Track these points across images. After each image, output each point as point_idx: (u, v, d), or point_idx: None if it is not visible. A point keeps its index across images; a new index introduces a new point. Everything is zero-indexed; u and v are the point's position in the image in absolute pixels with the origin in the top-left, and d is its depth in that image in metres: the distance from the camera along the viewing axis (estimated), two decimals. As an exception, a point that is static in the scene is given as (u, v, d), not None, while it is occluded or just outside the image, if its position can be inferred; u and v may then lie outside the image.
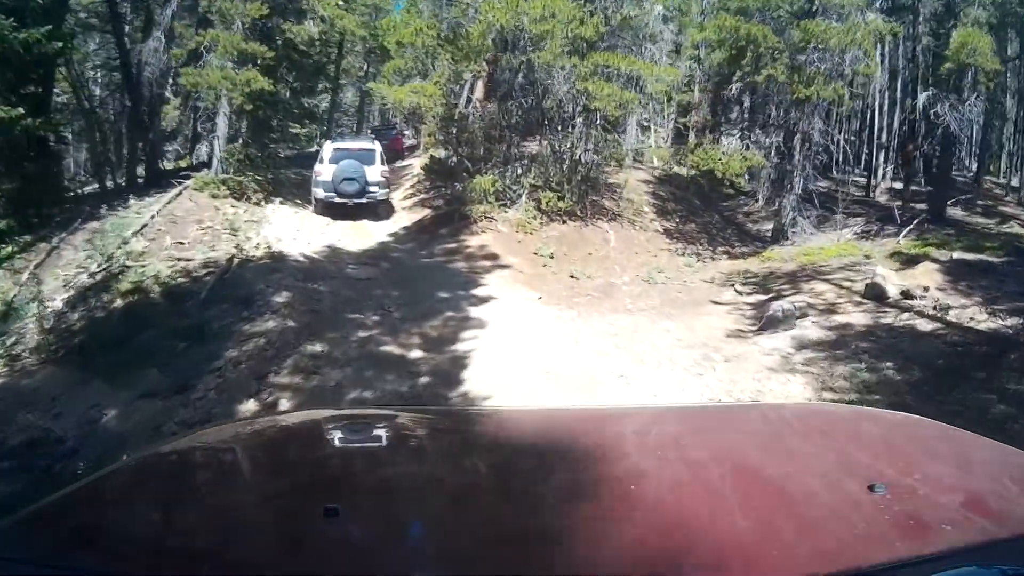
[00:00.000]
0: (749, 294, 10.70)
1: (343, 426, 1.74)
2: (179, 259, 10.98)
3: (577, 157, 14.66)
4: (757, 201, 19.80)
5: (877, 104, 21.86)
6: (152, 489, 1.29)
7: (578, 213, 14.25)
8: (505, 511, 1.15)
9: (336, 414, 2.37)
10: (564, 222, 14.12)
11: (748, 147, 13.73)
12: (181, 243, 11.82)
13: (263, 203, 14.66)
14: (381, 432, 1.69)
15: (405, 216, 15.43)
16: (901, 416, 1.81)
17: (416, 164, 19.32)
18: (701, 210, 18.64)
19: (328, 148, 15.09)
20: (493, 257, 12.16)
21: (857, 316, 8.84)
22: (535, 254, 12.60)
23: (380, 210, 15.09)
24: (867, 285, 9.97)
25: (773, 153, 14.31)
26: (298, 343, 7.30)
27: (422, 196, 16.50)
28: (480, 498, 1.21)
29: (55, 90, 16.30)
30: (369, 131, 25.97)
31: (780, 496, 1.19)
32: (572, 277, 11.62)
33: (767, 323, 8.87)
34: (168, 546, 1.02)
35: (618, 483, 1.25)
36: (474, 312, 8.69)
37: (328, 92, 26.03)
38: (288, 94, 17.20)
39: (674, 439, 1.56)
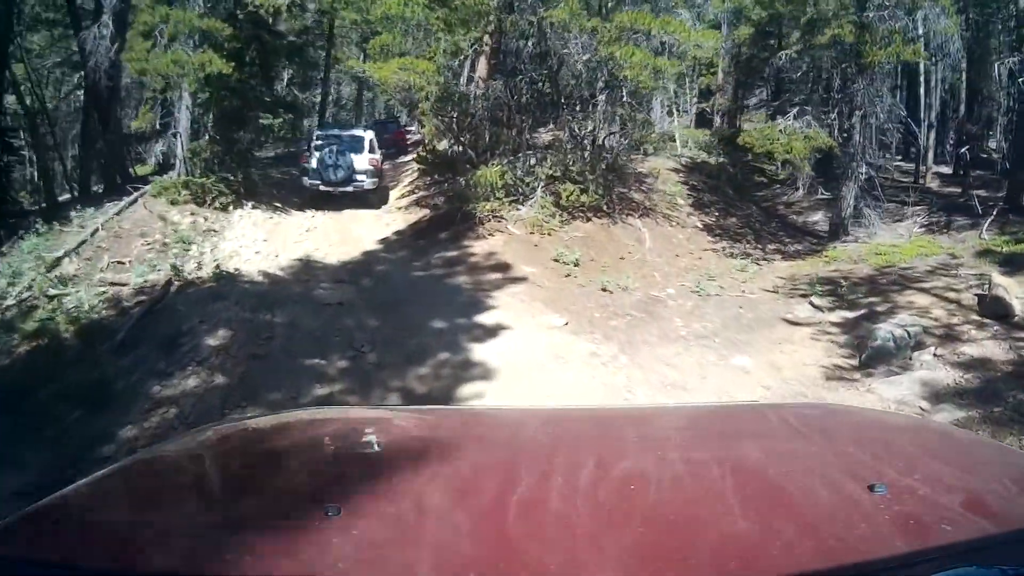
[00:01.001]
0: (830, 309, 8.40)
1: (343, 425, 1.66)
2: (112, 284, 8.81)
3: (600, 142, 12.31)
4: (798, 190, 17.51)
5: (923, 75, 19.34)
6: (153, 488, 1.22)
7: (604, 208, 11.90)
8: (505, 511, 1.08)
9: (336, 412, 2.28)
10: (588, 220, 11.78)
11: (811, 125, 11.30)
12: (121, 263, 9.65)
13: (231, 208, 12.40)
14: (381, 432, 1.57)
15: (400, 217, 13.17)
16: (901, 416, 1.91)
17: (420, 159, 17.08)
18: (737, 202, 16.32)
19: (316, 136, 14.64)
20: (504, 267, 9.85)
21: (990, 346, 6.58)
22: (556, 261, 10.24)
23: (371, 204, 13.91)
24: (983, 299, 7.80)
25: (837, 132, 11.92)
26: (224, 411, 5.10)
27: (421, 194, 14.23)
28: (479, 498, 1.13)
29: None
30: (368, 124, 24.07)
31: (780, 496, 1.13)
32: (604, 290, 9.23)
33: (873, 356, 6.57)
34: (169, 546, 0.96)
35: (618, 483, 1.20)
36: (479, 352, 6.42)
37: (319, 83, 23.94)
38: (277, 83, 15.18)
39: (674, 439, 1.50)
